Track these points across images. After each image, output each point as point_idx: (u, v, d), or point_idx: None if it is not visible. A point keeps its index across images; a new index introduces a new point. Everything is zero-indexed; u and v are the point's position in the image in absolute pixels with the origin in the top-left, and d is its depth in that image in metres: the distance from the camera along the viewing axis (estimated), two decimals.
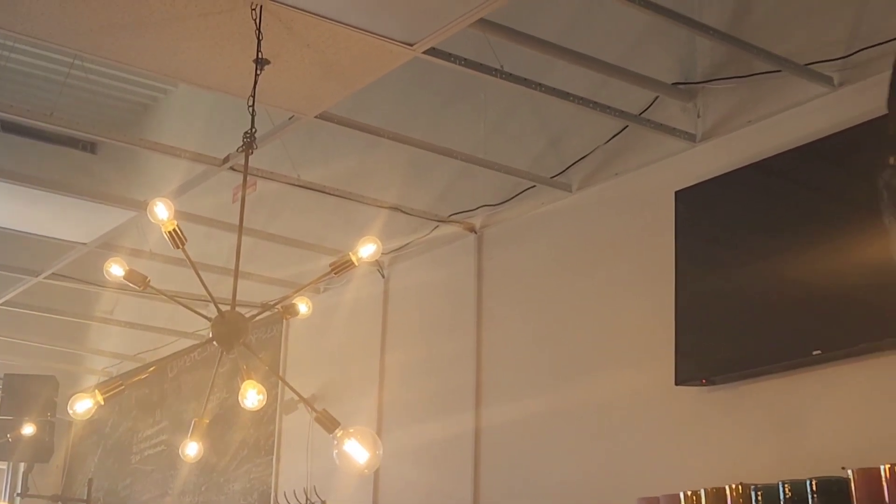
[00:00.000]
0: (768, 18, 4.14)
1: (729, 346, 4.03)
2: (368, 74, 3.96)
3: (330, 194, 5.03)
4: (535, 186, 4.89)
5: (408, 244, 5.51)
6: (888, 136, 0.89)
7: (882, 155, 0.84)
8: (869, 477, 3.33)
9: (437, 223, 5.30)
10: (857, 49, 3.78)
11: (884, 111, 3.65)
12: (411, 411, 5.38)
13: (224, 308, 3.14)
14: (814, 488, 3.44)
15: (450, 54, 3.93)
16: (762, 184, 4.07)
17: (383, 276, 5.70)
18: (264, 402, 3.06)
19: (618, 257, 4.54)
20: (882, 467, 3.30)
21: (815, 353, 3.68)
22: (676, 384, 4.07)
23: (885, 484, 3.28)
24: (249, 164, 3.49)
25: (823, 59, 3.88)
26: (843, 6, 3.86)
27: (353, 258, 3.22)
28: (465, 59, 3.96)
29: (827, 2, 3.93)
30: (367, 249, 3.23)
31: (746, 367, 3.93)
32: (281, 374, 6.17)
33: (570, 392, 4.59)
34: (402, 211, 5.16)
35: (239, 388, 3.09)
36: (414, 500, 5.19)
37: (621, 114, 4.40)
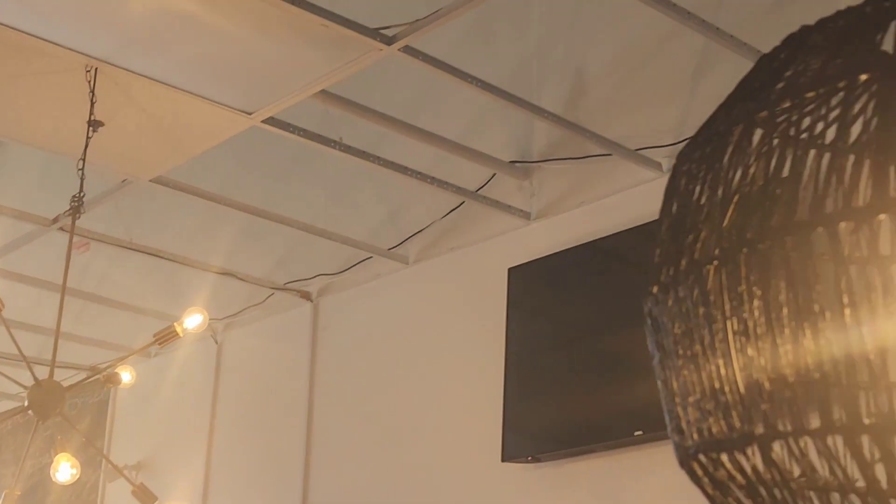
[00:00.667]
0: (602, 103, 4.25)
1: (555, 423, 4.09)
2: (206, 141, 3.94)
3: (162, 258, 4.96)
4: (372, 257, 4.91)
5: (243, 311, 5.46)
6: (654, 263, 0.92)
7: (647, 282, 0.87)
8: None
9: (273, 290, 5.27)
10: (686, 137, 3.89)
11: None
12: (240, 481, 5.30)
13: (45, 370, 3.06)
14: None
15: (289, 124, 3.94)
16: (592, 263, 4.16)
17: (216, 342, 5.63)
18: (77, 476, 2.98)
19: (451, 331, 4.58)
20: None
21: (636, 433, 3.76)
22: (503, 461, 4.10)
23: None
24: (82, 224, 3.43)
25: (653, 145, 4.00)
26: (673, 95, 3.99)
27: (178, 329, 3.18)
28: (304, 130, 3.97)
29: (658, 90, 4.06)
30: (192, 320, 3.19)
31: (572, 444, 3.99)
32: (107, 439, 6.02)
33: (398, 465, 4.59)
34: (237, 277, 5.12)
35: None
36: None
37: (459, 189, 4.45)
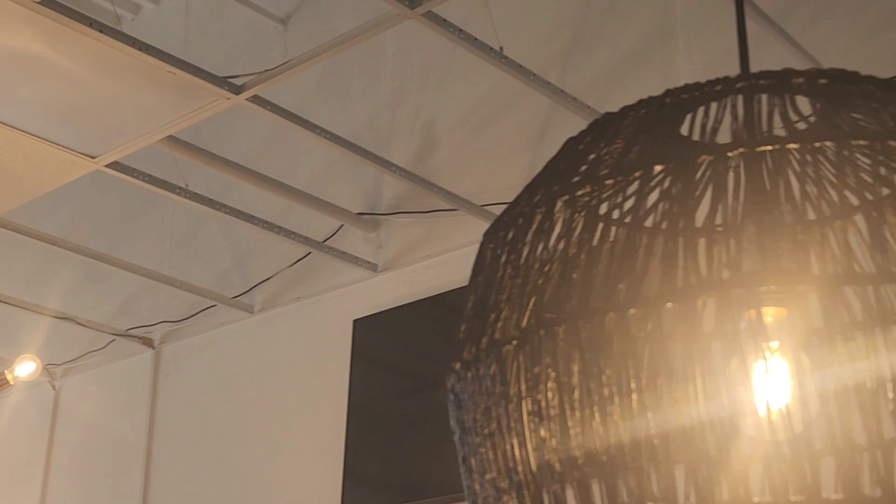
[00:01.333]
0: (451, 159, 4.30)
1: (396, 476, 4.08)
2: (46, 184, 3.86)
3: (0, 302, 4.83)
4: (216, 305, 4.85)
5: (82, 356, 5.32)
6: (458, 339, 0.94)
7: (452, 358, 0.88)
8: None
9: (114, 336, 5.16)
10: None
11: None
12: None
13: None
14: None
15: (134, 169, 3.88)
16: (437, 316, 4.18)
17: (54, 388, 5.48)
18: None
19: (295, 381, 4.54)
20: None
21: None
22: None
23: None
24: None
25: (499, 201, 4.05)
26: (520, 152, 4.06)
27: (10, 377, 3.09)
28: (149, 176, 3.92)
29: (505, 147, 4.12)
30: (24, 368, 3.11)
31: (412, 497, 3.99)
32: None
33: None
34: (77, 322, 5.00)
35: None
36: None
37: (306, 240, 4.44)
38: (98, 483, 5.14)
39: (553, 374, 0.90)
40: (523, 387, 0.92)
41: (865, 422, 0.86)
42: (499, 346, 0.95)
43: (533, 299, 0.94)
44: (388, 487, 4.10)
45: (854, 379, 0.88)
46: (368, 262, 4.46)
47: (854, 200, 1.06)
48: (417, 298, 4.22)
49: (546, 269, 0.95)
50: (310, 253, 4.58)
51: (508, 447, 0.93)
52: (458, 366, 1.00)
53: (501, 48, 3.44)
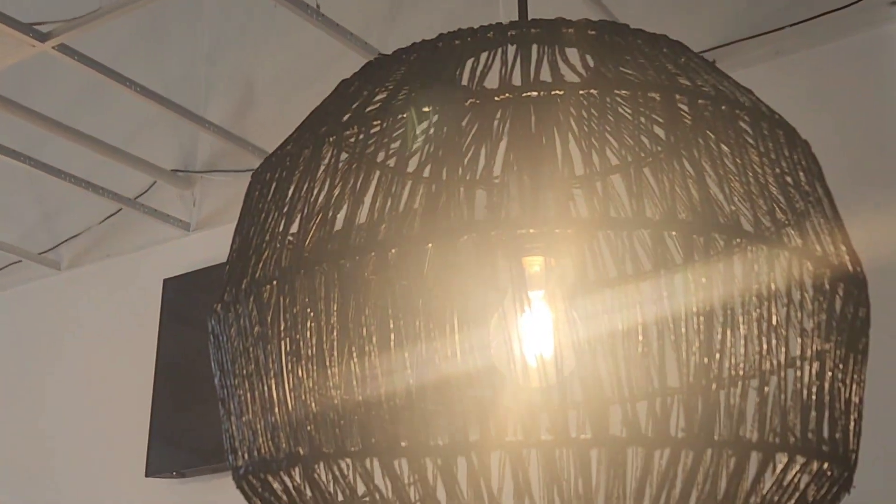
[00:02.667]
0: (268, 118, 4.24)
1: (203, 438, 4.02)
2: None
3: None
4: (21, 261, 4.69)
5: None
6: (222, 282, 0.92)
7: (213, 300, 0.86)
8: None
9: None
10: None
11: None
12: None
13: None
14: None
15: None
16: None
17: None
18: None
19: (102, 340, 4.43)
20: None
21: None
22: (146, 476, 4.00)
23: None
24: None
25: None
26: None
27: None
28: None
29: None
30: None
31: (219, 460, 3.93)
32: None
33: (38, 476, 4.40)
34: None
35: None
36: None
37: (117, 196, 4.33)
38: None
39: (312, 315, 0.89)
40: (281, 327, 0.90)
41: (616, 367, 0.87)
42: (258, 286, 0.93)
43: (295, 240, 0.93)
44: (194, 449, 4.04)
45: (609, 327, 0.89)
46: (181, 221, 4.38)
47: (617, 155, 1.07)
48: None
49: (310, 209, 0.94)
50: (120, 210, 4.46)
51: (265, 388, 0.91)
52: (218, 307, 0.98)
53: (318, 6, 3.41)
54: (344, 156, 0.96)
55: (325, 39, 3.62)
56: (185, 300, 4.24)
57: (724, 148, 0.93)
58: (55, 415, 4.44)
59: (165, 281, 4.26)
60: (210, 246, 4.25)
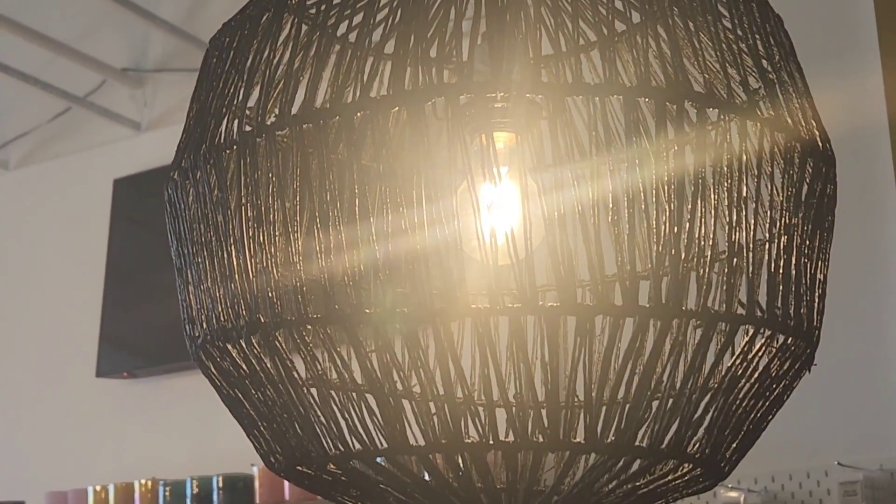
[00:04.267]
0: (221, 16, 4.15)
1: (153, 338, 4.00)
2: None
3: None
4: None
5: None
6: (178, 149, 0.89)
7: (170, 168, 0.83)
8: (272, 473, 3.43)
9: None
10: None
11: None
12: None
13: None
14: (220, 484, 3.50)
15: None
16: None
17: None
18: None
19: (51, 240, 4.38)
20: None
21: None
22: (97, 376, 3.98)
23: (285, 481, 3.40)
24: None
25: None
26: None
27: None
28: None
29: None
30: None
31: (169, 360, 3.92)
32: None
33: None
34: None
35: None
36: None
37: (66, 94, 4.25)
38: None
39: (274, 181, 0.87)
40: (242, 192, 0.88)
41: (586, 238, 0.85)
42: (219, 151, 0.90)
43: (256, 105, 0.90)
44: (144, 349, 4.03)
45: (577, 202, 0.87)
46: (132, 121, 4.31)
47: (591, 35, 1.05)
48: None
49: (271, 74, 0.91)
50: (70, 108, 4.38)
51: (225, 255, 0.89)
52: (175, 174, 0.95)
53: None
54: (304, 27, 0.93)
55: None
56: (136, 201, 4.19)
57: (699, 20, 0.91)
58: (2, 316, 4.39)
59: (116, 181, 4.20)
60: (161, 146, 4.18)
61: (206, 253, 0.91)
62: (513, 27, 0.92)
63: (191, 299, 0.94)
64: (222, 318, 0.90)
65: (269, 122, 0.88)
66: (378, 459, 0.89)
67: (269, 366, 0.88)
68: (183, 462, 3.74)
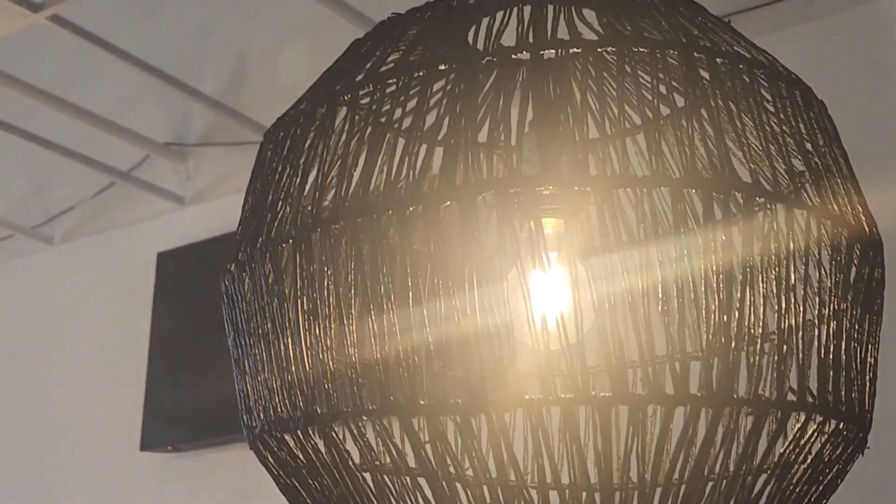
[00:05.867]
0: (262, 90, 4.22)
1: (198, 412, 4.02)
2: None
3: None
4: (14, 235, 4.67)
5: None
6: (235, 241, 0.92)
7: (227, 260, 0.86)
8: None
9: None
10: None
11: None
12: None
13: None
14: None
15: None
16: None
17: None
18: None
19: (96, 315, 4.42)
20: None
21: None
22: (141, 450, 4.00)
23: None
24: None
25: None
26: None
27: None
28: None
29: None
30: None
31: (213, 434, 3.94)
32: None
33: (32, 454, 4.39)
34: None
35: None
36: None
37: (109, 169, 4.31)
38: None
39: (329, 273, 0.88)
40: (298, 285, 0.90)
41: (636, 326, 0.87)
42: (275, 244, 0.92)
43: (311, 198, 0.92)
44: (189, 423, 4.04)
45: (629, 286, 0.88)
46: (175, 195, 4.36)
47: (635, 118, 1.07)
48: (224, 232, 4.14)
49: (325, 168, 0.93)
50: (114, 183, 4.45)
51: (282, 347, 0.91)
52: (232, 267, 0.98)
53: None
54: (358, 115, 0.95)
55: (318, 10, 3.60)
56: (179, 274, 4.23)
57: (742, 104, 0.93)
58: (48, 391, 4.43)
59: (159, 255, 4.24)
60: (204, 219, 4.24)
61: (263, 344, 0.93)
62: (559, 114, 0.94)
63: (248, 389, 0.96)
64: (279, 409, 0.91)
65: (323, 216, 0.90)
66: None
67: (325, 456, 0.90)
68: None
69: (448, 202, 0.87)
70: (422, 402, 0.85)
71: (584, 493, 0.88)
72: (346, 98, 0.95)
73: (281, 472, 0.96)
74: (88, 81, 4.47)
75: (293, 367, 0.90)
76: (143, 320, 4.18)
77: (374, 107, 0.94)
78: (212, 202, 4.28)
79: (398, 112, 0.94)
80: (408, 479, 0.89)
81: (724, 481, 0.87)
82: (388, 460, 0.88)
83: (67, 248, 4.61)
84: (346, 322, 0.87)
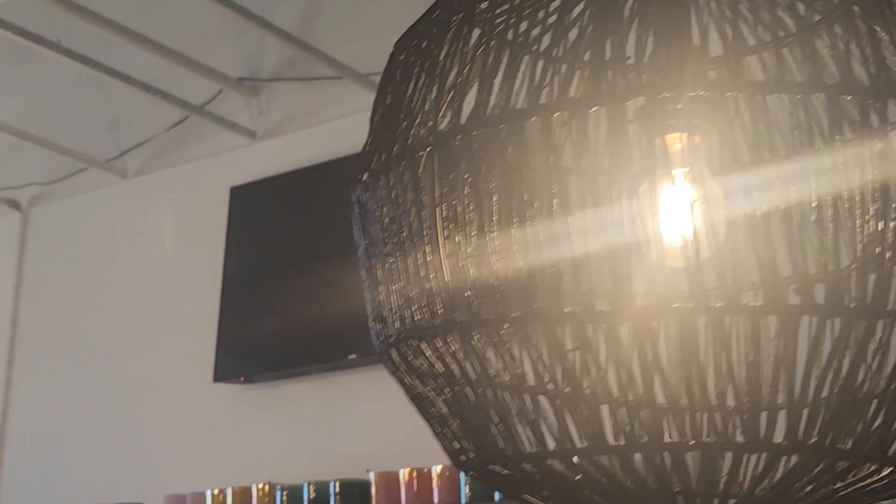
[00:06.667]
0: (336, 25, 4.20)
1: (270, 345, 4.05)
2: None
3: None
4: (88, 168, 4.70)
5: None
6: (364, 152, 0.90)
7: (357, 170, 0.85)
8: (389, 480, 3.44)
9: None
10: None
11: None
12: None
13: None
14: (337, 489, 3.52)
15: (3, 21, 3.71)
16: (315, 187, 4.12)
17: None
18: None
19: (168, 248, 4.45)
20: (401, 471, 3.42)
21: (350, 356, 3.77)
22: (215, 381, 4.04)
23: (402, 487, 3.41)
24: None
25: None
26: (406, 20, 3.97)
27: None
28: (19, 28, 3.75)
29: (393, 15, 4.03)
30: None
31: (285, 366, 3.97)
32: None
33: (108, 383, 4.45)
34: None
35: None
36: None
37: (183, 103, 4.32)
38: None
39: (470, 179, 0.87)
40: (437, 192, 0.88)
41: (789, 237, 0.85)
42: (412, 151, 0.91)
43: (449, 105, 0.90)
44: (261, 357, 4.07)
45: (781, 198, 0.86)
46: (247, 129, 4.37)
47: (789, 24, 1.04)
48: (296, 168, 4.15)
49: (463, 75, 0.92)
50: (187, 117, 4.46)
51: (420, 254, 0.90)
52: (365, 176, 0.96)
53: None
54: (495, 21, 0.93)
55: None
56: (252, 209, 4.25)
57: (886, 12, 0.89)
58: (122, 323, 4.47)
59: (233, 189, 4.26)
60: (276, 155, 4.25)
61: (399, 253, 0.92)
62: (688, 28, 0.92)
63: (381, 298, 0.95)
64: (417, 317, 0.90)
65: (464, 123, 0.89)
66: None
67: (463, 365, 0.89)
68: (298, 467, 3.77)
69: (595, 107, 0.85)
70: (567, 310, 0.84)
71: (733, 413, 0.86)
72: (482, 8, 0.93)
73: (413, 382, 0.96)
74: (164, 16, 4.47)
75: (432, 275, 0.89)
76: (215, 254, 4.21)
77: (513, 19, 0.92)
78: (284, 137, 4.28)
79: (536, 30, 0.92)
80: (544, 394, 0.87)
81: (874, 401, 0.85)
82: (529, 371, 0.87)
83: (140, 182, 4.64)
84: (488, 230, 0.86)
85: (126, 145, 4.66)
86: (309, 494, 3.57)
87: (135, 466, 4.25)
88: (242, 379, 4.04)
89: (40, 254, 4.87)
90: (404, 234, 0.91)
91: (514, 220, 0.85)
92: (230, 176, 4.31)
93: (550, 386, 0.86)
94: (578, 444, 0.86)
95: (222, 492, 3.74)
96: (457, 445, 0.96)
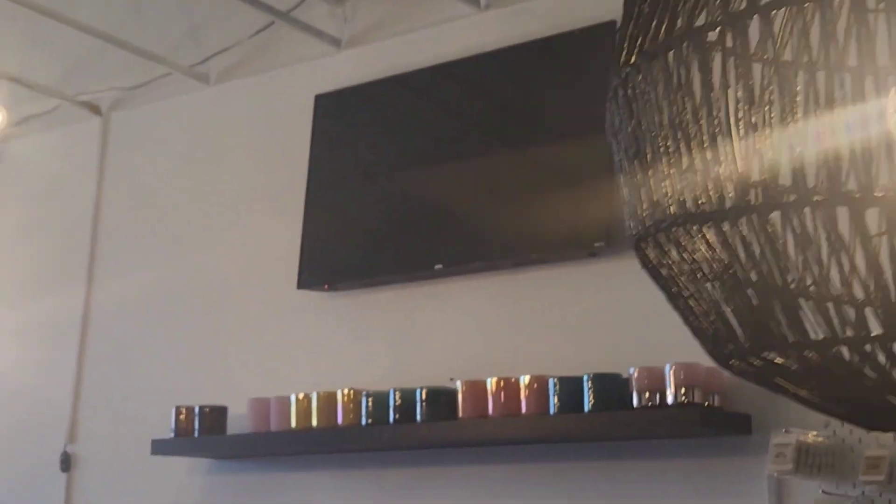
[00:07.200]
0: None
1: (355, 253, 4.05)
2: None
3: None
4: (171, 74, 4.68)
5: (24, 121, 5.12)
6: (625, 36, 0.87)
7: (621, 56, 0.81)
8: (475, 389, 3.45)
9: (60, 101, 4.97)
10: None
11: (523, 38, 3.83)
12: (13, 287, 5.04)
13: None
14: (423, 396, 3.53)
15: None
16: (401, 97, 4.09)
17: None
18: None
19: (251, 155, 4.44)
20: (488, 380, 3.43)
21: (436, 266, 3.77)
22: (298, 287, 4.04)
23: (489, 396, 3.41)
24: None
25: None
26: None
27: None
28: None
29: None
30: None
31: (370, 275, 3.97)
32: None
33: (192, 288, 4.46)
34: (19, 83, 4.80)
35: None
36: (11, 388, 4.89)
37: (268, 9, 4.28)
38: (44, 254, 5.02)
39: (768, 59, 0.85)
40: (731, 74, 0.86)
41: None
42: (698, 33, 0.89)
43: None
44: (345, 266, 4.07)
45: None
46: (332, 37, 4.33)
47: None
48: (382, 77, 4.11)
49: None
50: (272, 23, 4.42)
51: (707, 137, 0.88)
52: (634, 59, 0.94)
53: None
54: None
55: None
56: (336, 117, 4.22)
57: None
58: (206, 227, 4.48)
59: (317, 97, 4.23)
60: (361, 63, 4.21)
61: (680, 136, 0.90)
62: None
63: (652, 184, 0.93)
64: (701, 202, 0.89)
65: (760, 3, 0.86)
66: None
67: (749, 248, 0.87)
68: (379, 376, 3.79)
69: None
70: (879, 195, 0.82)
71: None
72: None
73: (674, 272, 0.94)
74: None
75: (722, 157, 0.87)
76: (299, 162, 4.19)
77: None
78: (368, 45, 4.24)
79: None
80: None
81: None
82: (823, 256, 0.86)
83: (223, 88, 4.61)
84: (788, 111, 0.84)
85: (209, 51, 4.62)
86: (395, 401, 3.58)
87: (217, 370, 4.28)
88: (326, 287, 4.05)
89: (121, 159, 4.87)
90: (688, 118, 0.89)
91: (820, 102, 0.83)
92: (314, 83, 4.28)
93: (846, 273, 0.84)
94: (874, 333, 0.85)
95: (307, 396, 3.76)
96: (717, 336, 0.95)
